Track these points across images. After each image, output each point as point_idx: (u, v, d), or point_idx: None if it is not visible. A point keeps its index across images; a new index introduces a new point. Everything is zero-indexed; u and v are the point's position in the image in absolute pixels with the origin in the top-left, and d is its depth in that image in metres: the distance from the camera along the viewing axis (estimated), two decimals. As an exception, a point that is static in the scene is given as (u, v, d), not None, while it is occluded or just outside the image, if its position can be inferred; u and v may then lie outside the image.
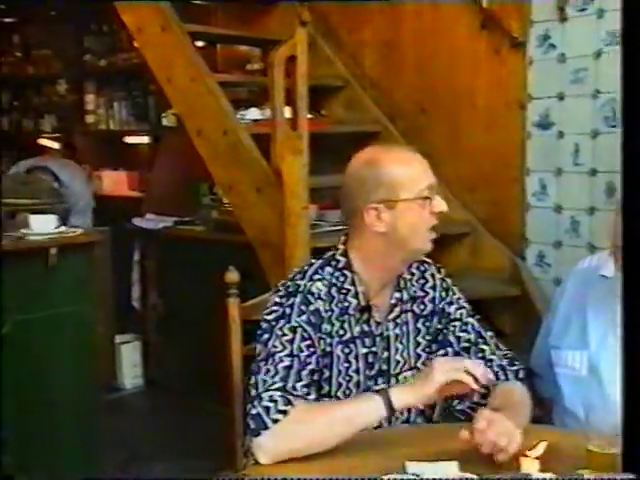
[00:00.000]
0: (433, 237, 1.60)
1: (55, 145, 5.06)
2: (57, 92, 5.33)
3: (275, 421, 1.40)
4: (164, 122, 4.50)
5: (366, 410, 1.42)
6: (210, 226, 3.73)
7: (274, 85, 2.60)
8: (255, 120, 3.22)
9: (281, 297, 1.58)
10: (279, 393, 1.43)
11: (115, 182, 5.05)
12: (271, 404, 1.42)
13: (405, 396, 1.42)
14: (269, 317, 1.56)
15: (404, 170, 1.56)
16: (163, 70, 3.16)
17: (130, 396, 3.94)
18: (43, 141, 5.24)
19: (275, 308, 1.57)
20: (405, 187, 1.54)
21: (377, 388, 1.59)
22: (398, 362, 1.63)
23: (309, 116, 2.82)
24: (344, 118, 3.53)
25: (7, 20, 5.58)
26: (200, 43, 3.59)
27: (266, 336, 1.54)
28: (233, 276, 2.06)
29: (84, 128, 5.15)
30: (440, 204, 1.57)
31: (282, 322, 1.53)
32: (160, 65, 3.17)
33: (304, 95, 2.63)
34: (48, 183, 3.29)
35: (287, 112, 2.73)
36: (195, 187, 4.01)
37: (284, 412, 1.41)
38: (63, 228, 2.84)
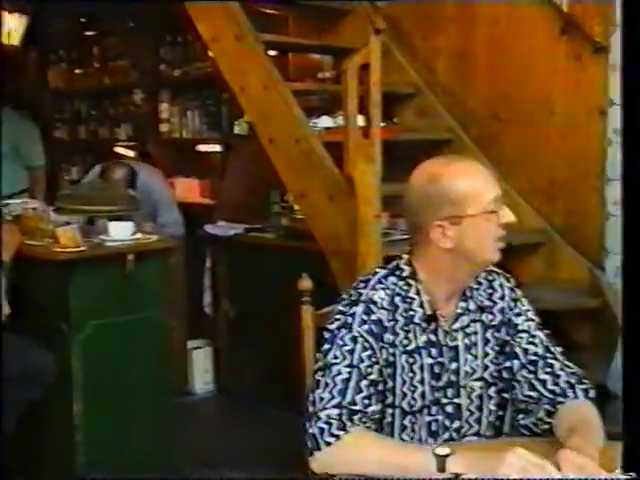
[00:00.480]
0: (501, 247, 1.56)
1: (130, 153, 5.19)
2: (133, 101, 5.45)
3: (328, 444, 1.41)
4: (236, 130, 4.55)
5: (417, 466, 1.35)
6: (280, 233, 3.75)
7: (347, 93, 2.60)
8: (327, 128, 3.23)
9: (344, 306, 1.57)
10: (336, 412, 1.43)
11: (187, 189, 5.13)
12: (326, 426, 1.42)
13: (462, 467, 1.33)
14: (331, 326, 1.56)
15: (468, 184, 1.51)
16: (237, 79, 3.20)
17: (201, 401, 3.98)
18: (119, 149, 5.38)
19: (337, 317, 1.57)
20: (470, 202, 1.51)
21: (445, 401, 1.57)
22: (467, 373, 1.60)
23: (381, 124, 2.81)
24: (416, 126, 3.51)
25: (88, 33, 5.75)
26: (272, 52, 3.62)
27: (327, 346, 1.53)
28: (306, 284, 2.06)
29: (158, 137, 5.25)
30: (507, 215, 1.53)
31: (344, 331, 1.52)
32: (234, 74, 3.22)
33: (377, 103, 2.63)
34: (125, 190, 3.36)
35: (360, 120, 2.73)
36: (266, 195, 4.04)
37: (337, 436, 1.41)
38: (140, 235, 2.91)
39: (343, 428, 1.42)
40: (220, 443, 3.42)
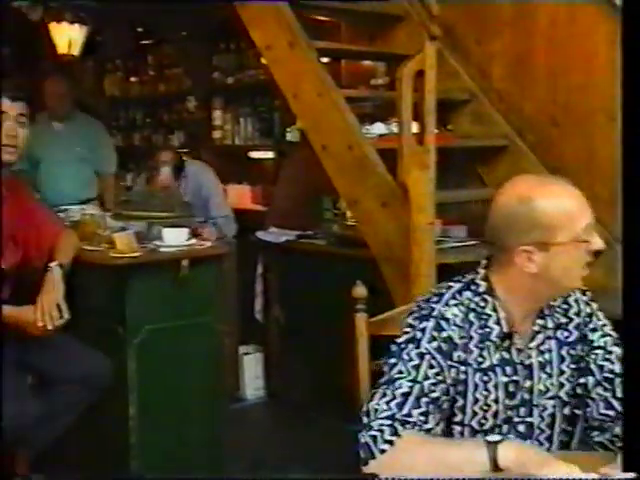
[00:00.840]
0: (585, 274, 1.50)
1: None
2: (186, 109, 5.53)
3: (382, 451, 1.39)
4: (288, 137, 4.58)
5: (469, 458, 1.33)
6: (332, 240, 3.75)
7: (402, 100, 2.58)
8: (380, 135, 3.21)
9: (414, 319, 1.53)
10: (388, 422, 1.41)
11: (239, 196, 5.17)
12: (378, 433, 1.40)
13: (513, 456, 1.31)
14: (399, 340, 1.53)
15: (561, 210, 1.44)
16: (290, 86, 3.21)
17: (251, 407, 3.99)
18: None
19: (407, 330, 1.53)
20: (562, 229, 1.44)
21: (517, 420, 1.53)
22: (541, 391, 1.55)
23: (435, 130, 2.79)
24: (470, 132, 3.47)
25: (143, 42, 5.86)
26: (325, 59, 3.63)
27: (393, 360, 1.50)
28: (361, 291, 2.05)
29: (211, 143, 5.32)
30: (598, 243, 1.46)
31: (411, 346, 1.49)
32: (287, 81, 3.22)
33: (432, 110, 2.60)
34: (180, 197, 3.41)
35: (414, 127, 2.71)
36: (318, 201, 4.05)
37: (390, 442, 1.39)
38: (194, 241, 2.94)
39: (396, 434, 1.40)
40: (270, 448, 3.42)
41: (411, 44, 3.08)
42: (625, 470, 1.21)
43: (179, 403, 2.86)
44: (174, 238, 2.89)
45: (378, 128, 3.26)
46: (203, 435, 2.91)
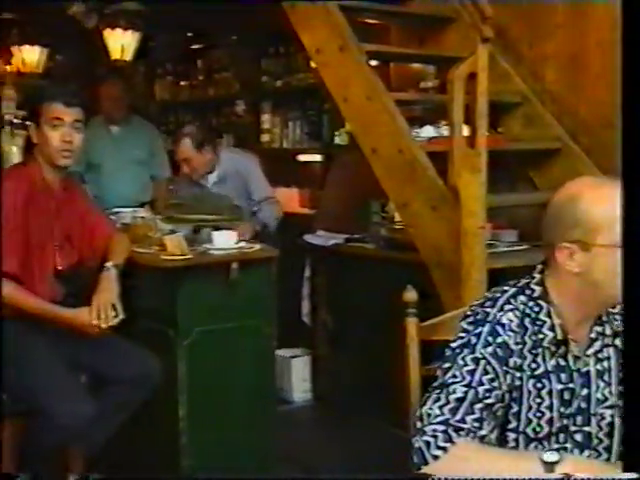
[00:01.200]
0: None
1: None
2: (235, 112, 5.57)
3: (435, 457, 1.37)
4: (336, 140, 4.58)
5: (525, 474, 1.31)
6: (381, 244, 3.73)
7: (453, 102, 2.56)
8: (430, 138, 3.19)
9: (468, 324, 1.51)
10: (442, 427, 1.39)
11: (287, 199, 5.18)
12: (432, 439, 1.38)
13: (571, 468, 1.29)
14: (453, 344, 1.51)
15: (605, 212, 1.41)
16: (339, 89, 3.21)
17: (299, 410, 4.00)
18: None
19: (461, 335, 1.51)
20: (603, 231, 1.41)
21: (574, 429, 1.50)
22: (599, 400, 1.51)
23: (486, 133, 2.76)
24: (522, 135, 3.42)
25: (193, 47, 5.93)
26: (373, 62, 3.62)
27: (447, 365, 1.48)
28: (412, 295, 2.03)
29: (259, 147, 5.34)
30: None
31: (466, 351, 1.47)
32: (337, 84, 3.23)
33: (484, 113, 2.58)
34: (229, 200, 3.43)
35: (465, 129, 2.69)
36: (366, 205, 4.03)
37: (444, 449, 1.37)
38: (243, 243, 2.95)
39: (449, 440, 1.38)
40: (317, 451, 3.42)
41: (462, 46, 3.06)
42: (625, 470, 1.19)
43: (228, 405, 2.87)
44: (224, 241, 2.91)
45: (428, 131, 3.24)
46: (252, 437, 2.92)
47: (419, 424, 1.43)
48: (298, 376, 4.04)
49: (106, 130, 4.36)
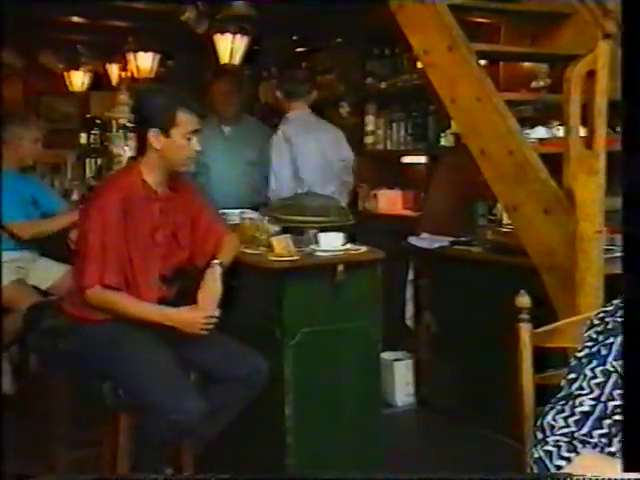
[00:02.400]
0: None
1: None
2: (339, 114, 5.58)
3: (558, 467, 1.31)
4: (442, 142, 4.52)
5: None
6: (487, 247, 3.65)
7: (570, 102, 2.47)
8: (541, 139, 3.10)
9: (597, 334, 1.43)
10: (566, 439, 1.33)
11: (390, 201, 5.17)
12: (554, 449, 1.32)
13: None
14: (580, 354, 1.44)
15: None
16: (448, 90, 3.17)
17: (401, 414, 3.96)
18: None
19: (588, 344, 1.43)
20: None
21: None
22: None
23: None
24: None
25: (298, 50, 5.99)
26: (482, 61, 3.55)
27: (572, 375, 1.41)
28: (525, 300, 1.98)
29: (363, 148, 5.34)
30: None
31: (595, 363, 1.39)
32: (445, 85, 3.18)
33: (603, 112, 2.48)
34: (336, 201, 3.43)
35: (581, 130, 2.59)
36: (472, 207, 3.96)
37: (568, 459, 1.31)
38: (349, 245, 2.95)
39: (574, 450, 1.32)
40: (419, 456, 3.38)
41: (578, 43, 2.95)
42: (625, 470, 1.15)
43: (334, 405, 2.88)
44: (330, 242, 2.91)
45: (539, 132, 3.15)
46: (357, 438, 2.92)
47: (540, 435, 1.38)
48: (401, 380, 4.01)
49: (219, 130, 4.41)
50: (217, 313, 2.52)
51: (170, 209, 2.63)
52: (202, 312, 2.52)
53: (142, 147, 2.59)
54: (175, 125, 2.53)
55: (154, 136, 2.53)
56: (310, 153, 4.08)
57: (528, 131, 3.16)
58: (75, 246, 2.66)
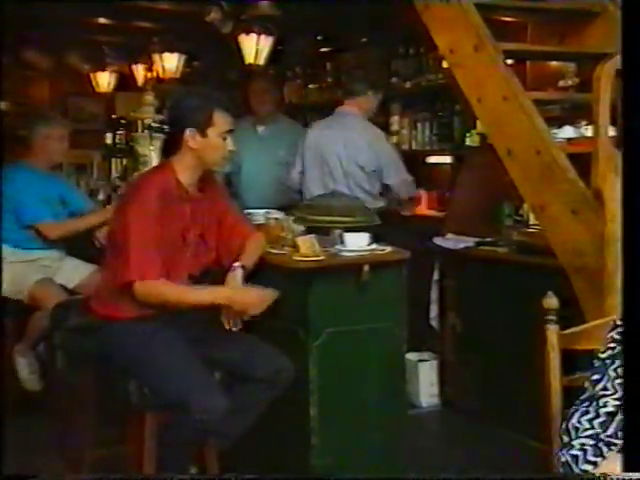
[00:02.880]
0: None
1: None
2: (364, 114, 5.57)
3: (584, 472, 1.32)
4: (467, 142, 4.49)
5: None
6: (514, 248, 3.62)
7: (599, 101, 2.44)
8: (569, 139, 3.07)
9: (620, 334, 1.44)
10: (591, 442, 1.33)
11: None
12: (580, 453, 1.33)
13: None
14: (603, 355, 1.44)
15: None
16: (474, 90, 3.14)
17: (426, 415, 3.95)
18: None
19: (612, 345, 1.44)
20: None
21: None
22: None
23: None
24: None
25: (322, 50, 5.99)
26: (509, 61, 3.52)
27: (596, 377, 1.42)
28: (552, 302, 1.96)
29: (387, 148, 5.31)
30: None
31: (618, 363, 1.40)
32: (471, 85, 3.16)
33: (633, 111, 2.44)
34: (361, 202, 3.43)
35: (610, 130, 2.56)
36: (498, 207, 3.94)
37: (594, 463, 1.32)
38: (375, 246, 2.94)
39: (600, 455, 1.31)
40: (444, 456, 3.36)
41: (607, 41, 2.91)
42: (626, 470, 1.17)
43: (359, 406, 2.87)
44: (356, 242, 2.90)
45: (567, 132, 3.12)
46: (382, 438, 2.91)
47: (565, 438, 1.38)
48: (425, 380, 4.00)
49: (253, 130, 4.43)
50: (274, 294, 2.57)
51: (199, 210, 2.64)
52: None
53: (176, 147, 2.59)
54: (212, 125, 2.54)
55: (190, 136, 2.54)
56: (330, 153, 4.06)
57: (556, 131, 3.13)
58: (109, 244, 2.66)
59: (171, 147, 2.62)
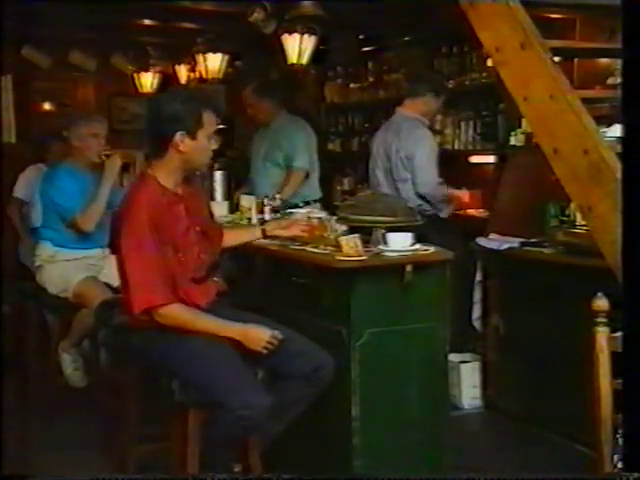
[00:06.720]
0: None
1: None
2: (406, 114, 5.53)
3: None
4: (512, 141, 4.43)
5: None
6: (559, 249, 3.56)
7: (650, 99, 2.37)
8: (619, 138, 2.99)
9: None
10: None
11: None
12: None
13: None
14: None
15: None
16: (520, 88, 3.09)
17: (468, 416, 3.91)
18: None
19: None
20: None
21: None
22: None
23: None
24: None
25: (364, 49, 5.97)
26: (556, 58, 3.46)
27: None
28: (602, 303, 1.93)
29: (430, 148, 5.26)
30: None
31: None
32: (517, 83, 3.11)
33: (685, 108, 2.37)
34: (403, 202, 3.41)
35: None
36: (543, 207, 3.87)
37: None
38: (418, 246, 2.92)
39: None
40: (486, 459, 3.32)
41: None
42: (626, 470, 1.20)
43: (400, 406, 2.85)
44: (398, 242, 2.89)
45: (616, 130, 3.04)
46: (423, 440, 2.89)
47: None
48: (467, 382, 3.96)
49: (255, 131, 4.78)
50: (280, 335, 2.53)
51: (192, 206, 2.65)
52: (268, 331, 2.53)
53: (161, 151, 2.54)
54: (201, 127, 2.52)
55: (180, 139, 2.51)
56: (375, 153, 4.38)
57: (605, 129, 3.06)
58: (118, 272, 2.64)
59: (156, 151, 2.57)
